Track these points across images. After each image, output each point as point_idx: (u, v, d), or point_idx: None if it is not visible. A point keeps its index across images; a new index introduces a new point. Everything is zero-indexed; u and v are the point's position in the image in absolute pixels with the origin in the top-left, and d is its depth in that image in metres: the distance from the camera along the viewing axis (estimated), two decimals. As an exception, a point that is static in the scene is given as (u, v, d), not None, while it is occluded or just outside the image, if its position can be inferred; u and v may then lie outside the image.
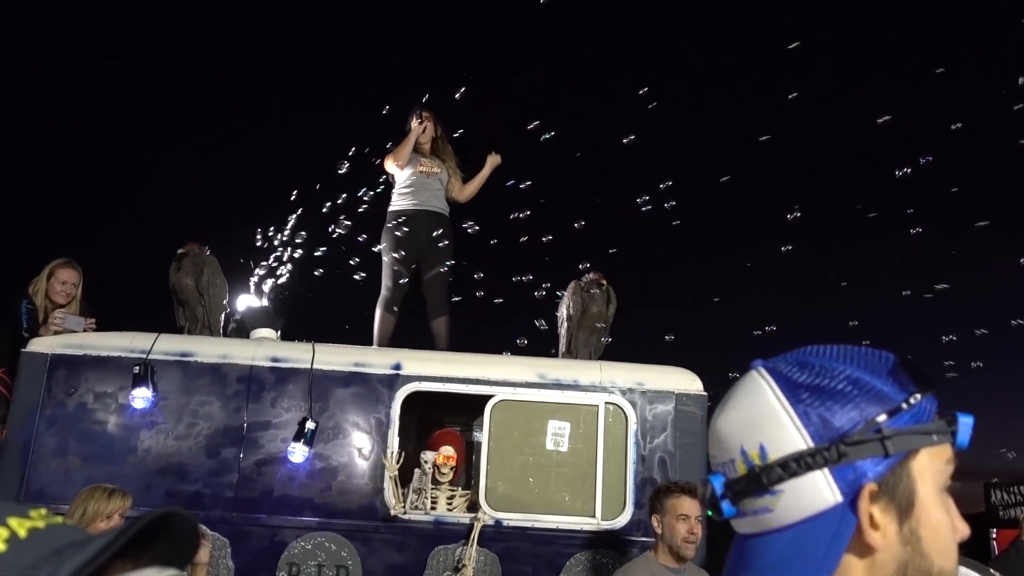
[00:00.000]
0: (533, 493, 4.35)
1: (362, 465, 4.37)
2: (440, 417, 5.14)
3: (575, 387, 4.47)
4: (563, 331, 5.20)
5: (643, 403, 4.46)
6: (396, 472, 4.31)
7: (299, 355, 4.49)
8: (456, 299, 5.56)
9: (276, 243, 5.52)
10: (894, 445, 0.80)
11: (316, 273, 5.53)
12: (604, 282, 5.20)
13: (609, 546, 4.28)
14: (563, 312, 5.22)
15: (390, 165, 5.66)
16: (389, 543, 4.26)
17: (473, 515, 4.28)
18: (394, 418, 4.40)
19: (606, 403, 4.44)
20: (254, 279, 5.43)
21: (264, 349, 4.55)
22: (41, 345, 4.48)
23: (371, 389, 4.45)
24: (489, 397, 4.44)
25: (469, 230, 5.54)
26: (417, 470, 4.44)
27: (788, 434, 0.82)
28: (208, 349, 4.52)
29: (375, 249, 5.55)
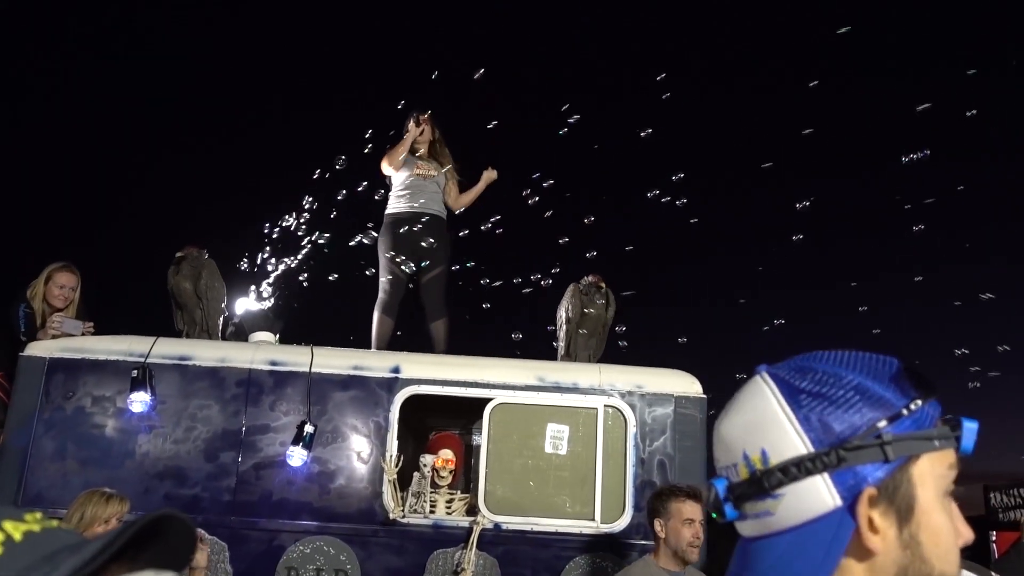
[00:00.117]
0: (532, 496, 4.34)
1: (361, 469, 4.36)
2: (439, 420, 5.13)
3: (574, 390, 4.47)
4: (562, 334, 5.19)
5: (642, 406, 4.45)
6: (395, 475, 4.30)
7: (297, 358, 4.48)
8: (455, 300, 5.56)
9: (275, 246, 5.52)
10: (894, 451, 0.81)
11: (311, 274, 5.52)
12: (603, 285, 5.20)
13: (608, 549, 4.27)
14: (562, 315, 5.22)
15: (385, 167, 5.65)
16: (388, 547, 4.25)
17: (472, 519, 4.27)
18: (393, 421, 4.39)
19: (605, 406, 4.43)
20: (253, 283, 5.43)
21: (262, 352, 4.54)
22: (39, 349, 4.47)
23: (370, 392, 4.44)
24: (488, 400, 4.43)
25: (460, 234, 5.54)
26: (416, 473, 4.43)
27: (789, 439, 0.83)
28: (206, 352, 4.51)
29: (366, 239, 5.54)
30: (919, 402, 0.82)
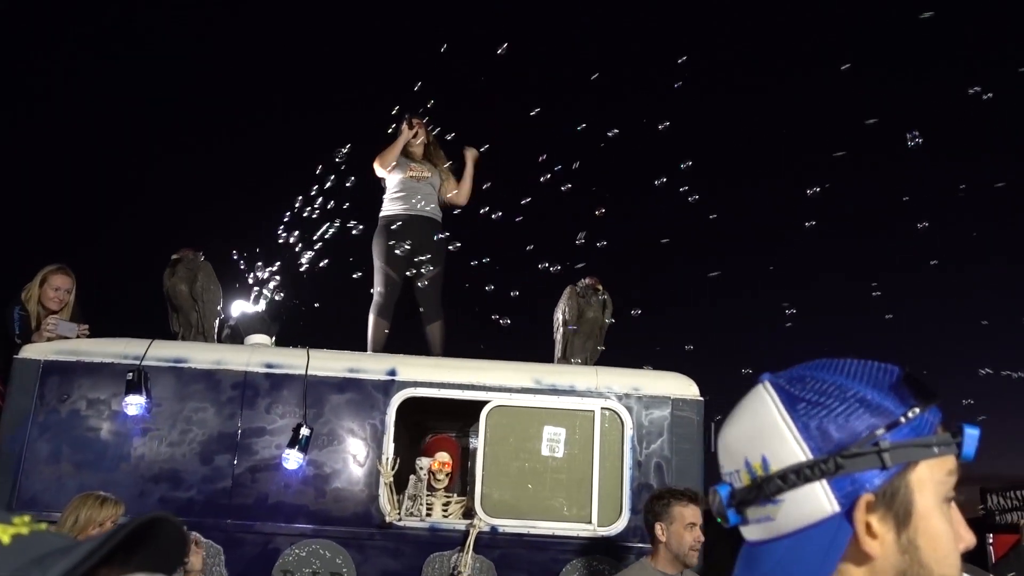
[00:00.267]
0: (529, 499, 4.33)
1: (357, 471, 4.35)
2: (435, 423, 5.12)
3: (571, 392, 4.46)
4: (559, 336, 5.19)
5: (639, 408, 4.45)
6: (391, 478, 4.29)
7: (293, 361, 4.47)
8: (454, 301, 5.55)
9: (271, 248, 5.51)
10: (892, 458, 0.82)
11: (308, 276, 5.52)
12: (600, 287, 5.20)
13: (605, 552, 4.26)
14: (559, 317, 5.21)
15: (377, 168, 5.65)
16: (384, 550, 4.24)
17: (469, 522, 4.26)
18: (389, 424, 4.38)
19: (602, 408, 4.43)
20: (249, 284, 5.41)
21: (258, 355, 4.53)
22: (34, 351, 4.45)
23: (366, 395, 4.43)
24: (485, 403, 4.42)
25: (452, 248, 5.53)
26: (412, 476, 4.42)
27: (788, 446, 0.85)
28: (202, 355, 4.49)
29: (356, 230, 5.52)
30: (917, 410, 0.84)
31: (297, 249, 5.54)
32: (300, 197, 5.56)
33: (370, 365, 4.54)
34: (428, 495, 4.39)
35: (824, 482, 0.83)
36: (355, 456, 4.36)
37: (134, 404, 4.27)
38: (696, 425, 4.45)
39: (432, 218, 5.60)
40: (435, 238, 5.53)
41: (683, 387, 4.53)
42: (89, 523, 3.33)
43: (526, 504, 4.32)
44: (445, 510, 4.40)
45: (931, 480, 0.85)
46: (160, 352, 4.44)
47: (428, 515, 4.34)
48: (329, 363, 4.49)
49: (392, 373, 4.47)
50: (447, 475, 4.50)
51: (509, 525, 4.27)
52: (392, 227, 5.48)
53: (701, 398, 4.52)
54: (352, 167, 5.58)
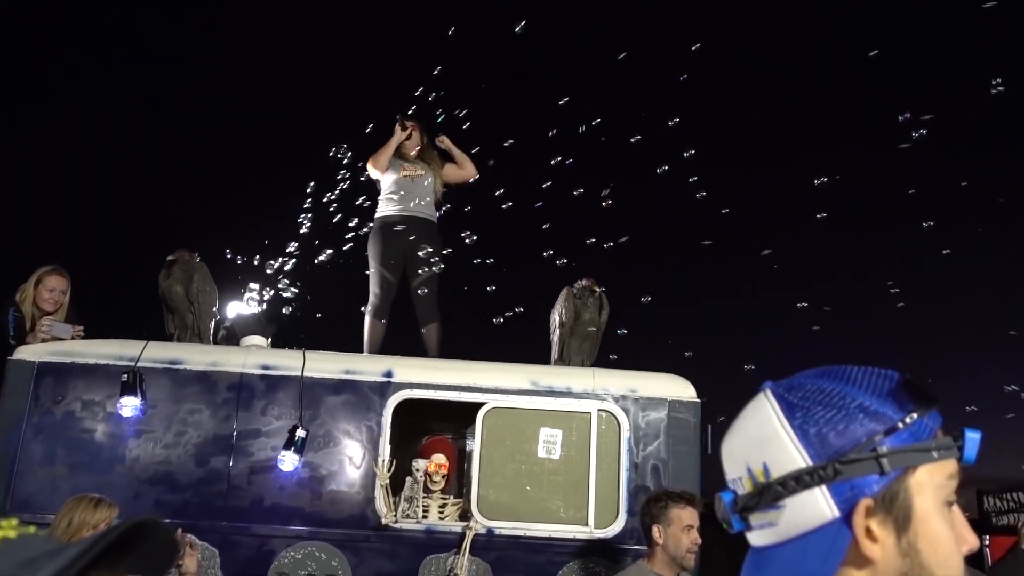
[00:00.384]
0: (526, 501, 4.32)
1: (353, 473, 4.33)
2: (432, 424, 5.11)
3: (568, 394, 4.45)
4: (555, 338, 5.18)
5: (636, 410, 4.44)
6: (387, 480, 4.28)
7: (289, 362, 4.46)
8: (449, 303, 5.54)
9: (268, 249, 5.50)
10: (890, 463, 0.84)
11: (304, 278, 5.51)
12: (597, 288, 5.19)
13: (602, 555, 4.25)
14: (555, 318, 5.21)
15: (370, 169, 5.64)
16: (380, 552, 4.22)
17: (465, 524, 4.25)
18: (385, 426, 4.37)
19: (599, 410, 4.42)
20: (246, 284, 5.40)
21: (254, 356, 4.52)
22: (28, 353, 4.43)
23: (362, 397, 4.42)
24: (481, 404, 4.41)
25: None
26: (408, 478, 4.41)
27: (788, 453, 0.87)
28: (197, 357, 4.48)
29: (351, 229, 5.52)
30: (915, 415, 0.85)
31: (295, 248, 5.53)
32: (299, 198, 5.55)
33: (366, 367, 4.52)
34: (424, 497, 4.38)
35: (823, 488, 0.84)
36: (351, 458, 4.35)
37: (129, 406, 4.26)
38: (693, 427, 4.44)
39: (427, 218, 5.58)
40: (431, 238, 5.52)
41: (680, 389, 4.52)
42: (83, 525, 3.31)
43: (522, 506, 4.31)
44: (441, 512, 4.39)
45: (931, 484, 0.86)
46: (155, 353, 4.42)
47: (424, 517, 4.33)
48: (325, 365, 4.47)
49: (388, 375, 4.46)
50: (443, 477, 4.49)
51: (505, 527, 4.26)
52: (387, 228, 5.47)
53: (698, 400, 4.51)
54: (352, 167, 5.57)
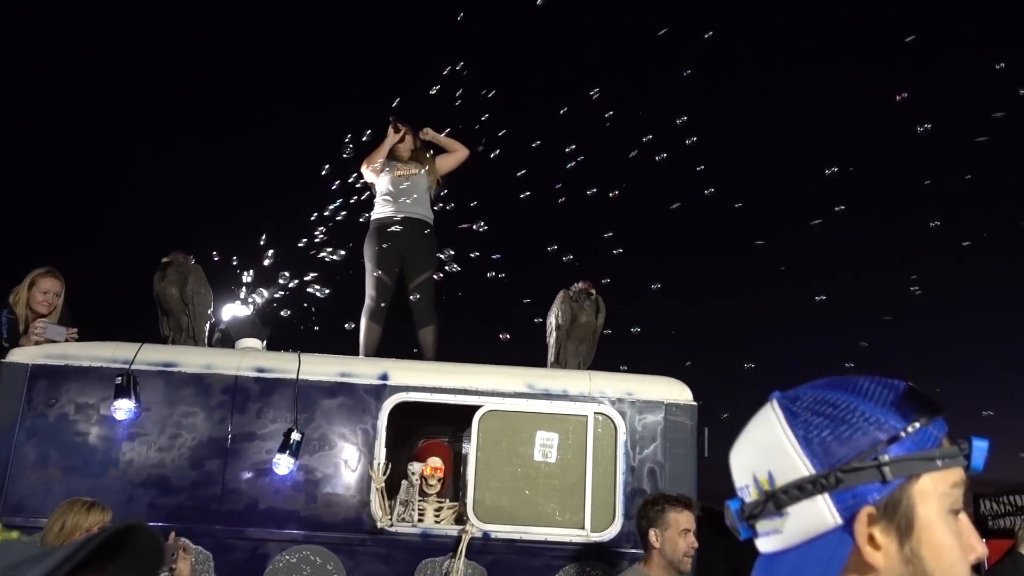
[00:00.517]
0: (522, 505, 4.31)
1: (348, 477, 4.32)
2: (427, 428, 5.10)
3: (564, 397, 4.44)
4: (552, 341, 5.17)
5: (632, 413, 4.43)
6: (383, 484, 4.26)
7: (285, 365, 4.44)
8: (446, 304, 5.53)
9: (264, 251, 5.48)
10: (892, 471, 0.85)
11: (300, 280, 5.49)
12: (593, 291, 5.18)
13: (599, 558, 4.24)
14: (552, 321, 5.20)
15: (364, 170, 5.62)
16: (375, 556, 4.21)
17: (461, 527, 4.23)
18: (381, 429, 4.35)
19: (595, 413, 4.41)
20: (240, 289, 5.38)
21: (249, 359, 4.50)
22: (22, 355, 4.41)
23: (358, 399, 4.40)
24: (477, 407, 4.40)
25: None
26: (404, 482, 4.39)
27: (792, 462, 0.88)
28: (192, 359, 4.46)
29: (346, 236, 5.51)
30: (917, 424, 0.86)
31: (293, 248, 5.51)
32: (298, 198, 5.54)
33: (362, 369, 4.51)
34: (420, 500, 4.37)
35: (826, 496, 0.86)
36: (346, 461, 4.33)
37: (123, 408, 4.24)
38: (689, 430, 4.43)
39: (423, 219, 5.56)
40: (426, 240, 5.50)
41: (676, 391, 4.51)
42: (75, 529, 3.29)
43: (519, 509, 4.30)
44: (437, 516, 4.38)
45: (935, 492, 0.86)
46: (150, 356, 4.40)
47: (420, 521, 4.32)
48: (320, 367, 4.46)
49: (384, 377, 4.44)
50: (439, 480, 4.48)
51: (502, 531, 4.24)
52: (382, 229, 5.45)
53: (694, 403, 4.50)
54: (351, 167, 5.56)
